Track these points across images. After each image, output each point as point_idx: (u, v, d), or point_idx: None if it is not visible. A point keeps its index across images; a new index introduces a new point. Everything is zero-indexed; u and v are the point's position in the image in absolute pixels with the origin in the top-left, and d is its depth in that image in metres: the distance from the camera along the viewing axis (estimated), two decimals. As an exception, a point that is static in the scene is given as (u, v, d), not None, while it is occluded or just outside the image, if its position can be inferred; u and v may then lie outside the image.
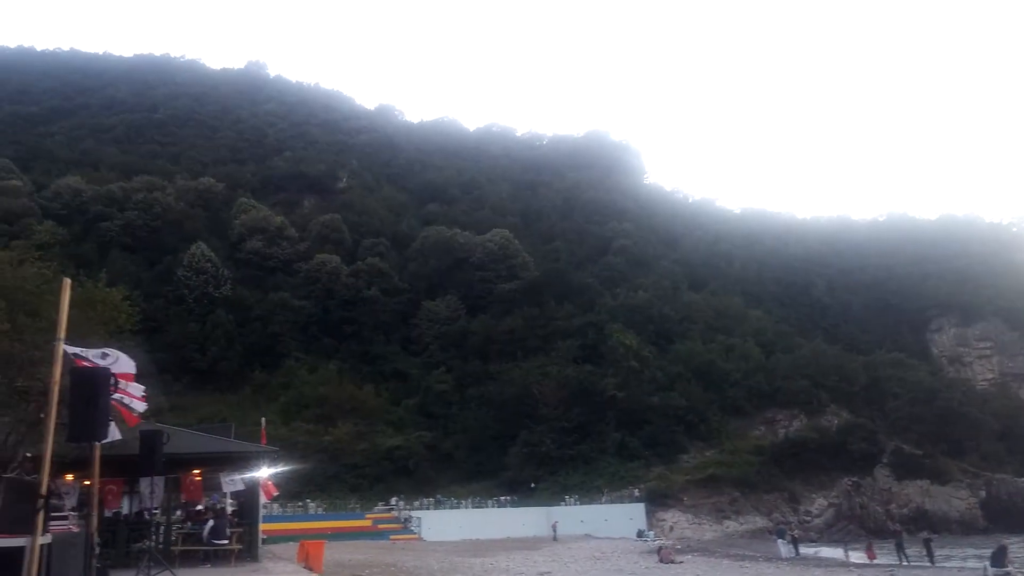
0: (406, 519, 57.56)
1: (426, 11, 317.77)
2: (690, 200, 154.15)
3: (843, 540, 53.71)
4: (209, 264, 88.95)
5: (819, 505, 68.78)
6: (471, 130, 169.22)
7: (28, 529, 8.77)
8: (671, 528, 60.40)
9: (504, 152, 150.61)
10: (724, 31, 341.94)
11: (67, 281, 10.04)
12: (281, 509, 54.23)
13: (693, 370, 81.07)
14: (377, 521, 56.66)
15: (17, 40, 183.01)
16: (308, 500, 59.79)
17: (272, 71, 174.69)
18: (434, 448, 74.48)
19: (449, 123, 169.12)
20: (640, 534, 56.28)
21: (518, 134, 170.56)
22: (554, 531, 53.11)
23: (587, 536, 54.49)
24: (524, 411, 74.63)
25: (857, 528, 65.56)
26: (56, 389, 9.34)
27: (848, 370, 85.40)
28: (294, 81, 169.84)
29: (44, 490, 8.85)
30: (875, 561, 40.07)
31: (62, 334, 9.53)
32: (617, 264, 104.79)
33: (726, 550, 46.60)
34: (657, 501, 63.57)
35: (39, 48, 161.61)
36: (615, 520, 58.51)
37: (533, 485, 67.08)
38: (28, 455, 17.16)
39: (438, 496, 64.92)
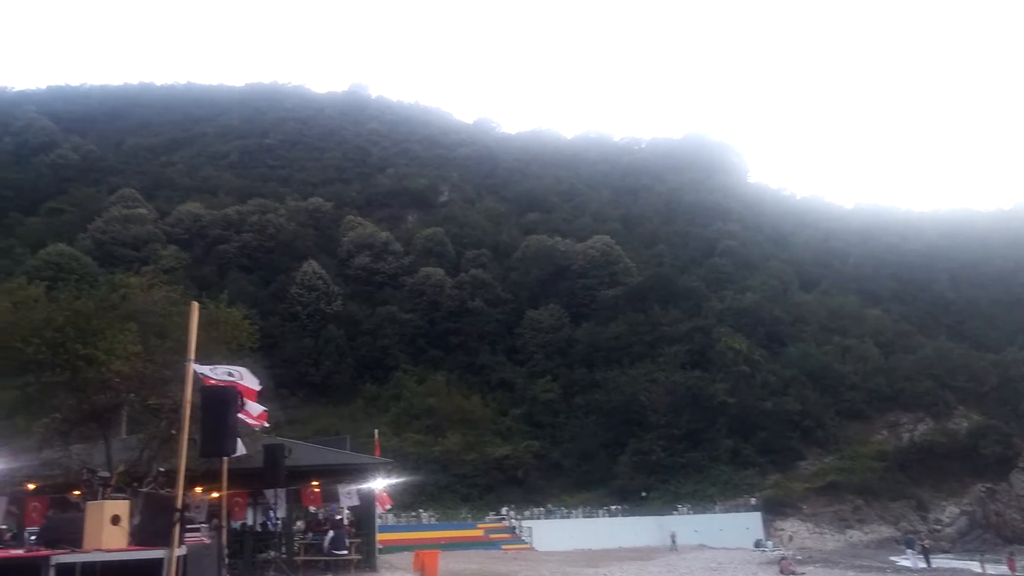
0: (517, 528, 57.73)
1: (519, 25, 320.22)
2: (798, 197, 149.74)
3: (979, 550, 50.68)
4: (320, 281, 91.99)
5: (950, 513, 65.18)
6: (568, 138, 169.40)
7: (166, 541, 9.24)
8: (790, 538, 58.42)
9: (602, 158, 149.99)
10: (824, 22, 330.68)
11: (194, 304, 10.51)
12: (395, 519, 55.29)
13: (808, 373, 78.36)
14: (489, 531, 56.98)
15: (139, 77, 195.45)
16: (421, 510, 60.75)
17: (374, 92, 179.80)
18: (542, 457, 74.53)
19: (546, 133, 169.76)
20: (758, 544, 54.69)
21: (616, 140, 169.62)
22: (672, 541, 52.11)
23: (702, 546, 53.35)
24: (632, 419, 73.84)
25: (994, 537, 61.80)
26: (188, 407, 9.81)
27: (977, 369, 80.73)
28: (395, 100, 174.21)
29: (179, 504, 9.30)
30: (1017, 573, 37.62)
31: (192, 355, 9.99)
32: (723, 266, 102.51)
33: (850, 561, 44.73)
34: (774, 510, 61.64)
35: (159, 83, 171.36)
36: (730, 530, 57.07)
37: (644, 494, 66.19)
38: (162, 469, 18.12)
39: (548, 505, 64.86)
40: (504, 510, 62.76)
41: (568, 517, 61.88)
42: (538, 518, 60.43)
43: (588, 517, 61.82)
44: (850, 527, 61.73)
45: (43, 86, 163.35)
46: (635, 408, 74.50)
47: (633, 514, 61.50)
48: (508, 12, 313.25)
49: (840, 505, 63.30)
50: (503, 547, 52.10)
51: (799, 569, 35.67)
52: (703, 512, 61.33)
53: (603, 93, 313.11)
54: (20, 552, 10.16)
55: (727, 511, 61.57)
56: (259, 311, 65.58)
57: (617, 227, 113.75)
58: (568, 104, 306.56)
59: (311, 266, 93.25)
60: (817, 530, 60.51)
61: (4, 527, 19.54)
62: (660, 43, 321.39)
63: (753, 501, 62.47)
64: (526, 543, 54.68)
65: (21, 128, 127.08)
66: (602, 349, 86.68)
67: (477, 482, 70.27)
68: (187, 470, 12.42)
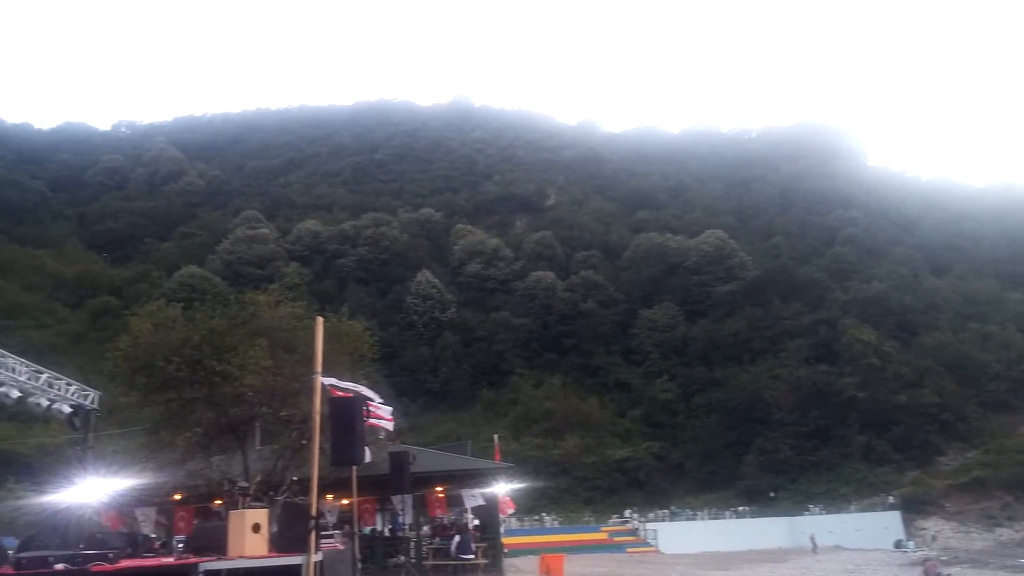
0: (641, 531, 57.04)
1: (617, 25, 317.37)
2: (923, 179, 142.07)
3: None
4: (434, 290, 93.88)
5: (1112, 509, 60.14)
6: (674, 133, 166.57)
7: (303, 548, 9.58)
8: (933, 537, 55.33)
9: (711, 151, 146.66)
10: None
11: (319, 319, 10.86)
12: (518, 523, 55.60)
13: (944, 364, 73.93)
14: (613, 534, 56.54)
15: (256, 104, 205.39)
16: (543, 514, 60.90)
17: (477, 102, 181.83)
18: (664, 458, 73.49)
19: (651, 129, 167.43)
20: (898, 545, 52.03)
21: (724, 131, 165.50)
22: (812, 543, 50.17)
23: (838, 548, 51.20)
24: (756, 417, 71.78)
25: None
26: (317, 418, 10.15)
27: None
28: (498, 108, 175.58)
29: (314, 512, 9.63)
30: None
31: (319, 368, 10.32)
32: (846, 255, 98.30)
33: (1001, 561, 41.87)
34: (914, 508, 58.47)
35: (274, 108, 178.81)
36: (867, 530, 54.49)
37: (772, 494, 64.20)
38: (295, 478, 18.82)
39: (672, 507, 63.84)
40: (627, 513, 62.17)
41: (694, 519, 60.72)
42: (663, 520, 59.56)
43: (714, 519, 60.47)
44: (999, 525, 57.85)
45: (170, 118, 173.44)
46: (759, 406, 72.38)
47: (761, 515, 59.71)
48: (604, 12, 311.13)
49: (987, 502, 59.44)
50: (628, 550, 51.52)
51: (945, 570, 33.58)
52: (837, 512, 58.85)
53: (708, 85, 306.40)
54: (171, 559, 10.72)
55: (863, 511, 58.84)
56: (377, 322, 67.25)
57: (730, 220, 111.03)
58: (672, 99, 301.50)
59: (425, 276, 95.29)
60: (962, 529, 57.03)
61: (154, 535, 20.82)
62: (763, 29, 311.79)
63: (891, 500, 59.49)
64: (651, 546, 53.92)
65: (152, 159, 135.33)
66: (720, 346, 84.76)
67: (598, 485, 69.93)
68: (318, 478, 12.87)
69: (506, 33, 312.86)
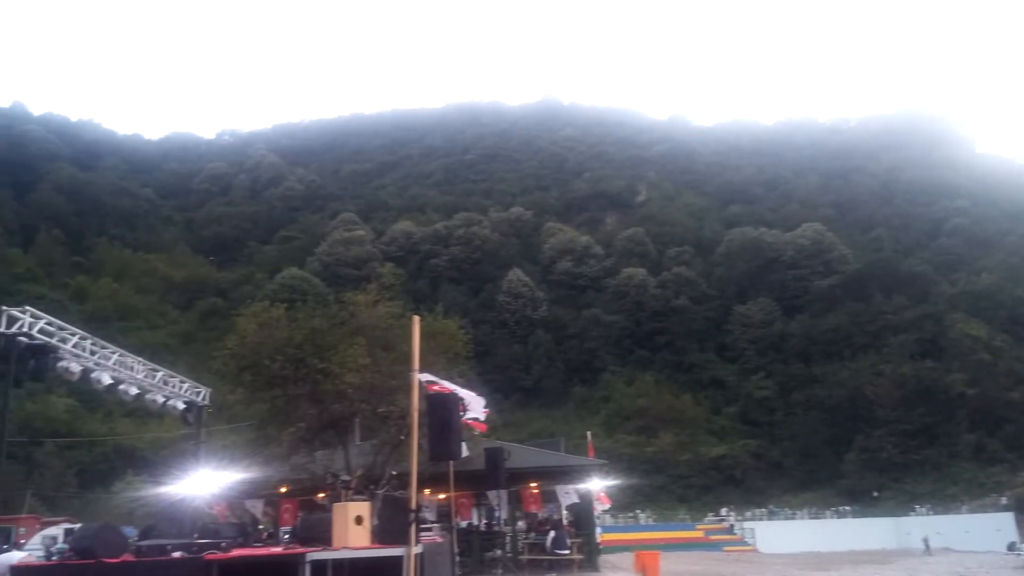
0: (738, 529, 55.99)
1: (706, 17, 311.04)
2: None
3: None
4: (525, 288, 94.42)
5: None
6: (769, 125, 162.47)
7: (404, 540, 9.88)
8: (1050, 541, 52.25)
9: (808, 142, 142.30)
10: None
11: (415, 318, 11.16)
12: (612, 520, 55.41)
13: (1064, 359, 69.88)
14: (709, 532, 55.68)
15: (350, 109, 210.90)
16: (638, 511, 60.53)
17: (565, 99, 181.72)
18: (761, 456, 72.00)
19: (744, 122, 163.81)
20: (1011, 547, 49.38)
21: (821, 121, 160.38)
22: (926, 544, 48.26)
23: (947, 549, 49.05)
24: (858, 414, 69.40)
25: None
26: (415, 414, 10.45)
27: None
28: (587, 105, 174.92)
29: (414, 505, 9.93)
30: None
31: (416, 365, 10.61)
32: (953, 247, 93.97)
33: (1126, 567, 39.27)
34: (1030, 510, 55.38)
35: (367, 113, 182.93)
36: (978, 532, 51.90)
37: (875, 494, 62.01)
38: (394, 473, 19.34)
39: (771, 506, 62.45)
40: (724, 511, 61.16)
41: (793, 518, 59.22)
42: (760, 519, 58.33)
43: (814, 518, 58.79)
44: None
45: (269, 126, 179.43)
46: (860, 403, 69.96)
47: (864, 515, 57.73)
48: (693, 4, 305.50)
49: (1114, 505, 55.74)
50: (725, 549, 50.68)
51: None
52: (944, 513, 56.34)
53: (804, 75, 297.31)
54: (279, 550, 11.22)
55: (973, 512, 56.14)
56: (470, 320, 68.14)
57: (829, 213, 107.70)
58: (766, 91, 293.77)
59: (516, 274, 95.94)
60: (1082, 532, 53.64)
61: (261, 526, 21.76)
62: (860, 14, 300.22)
63: (1004, 500, 56.55)
64: (749, 545, 52.86)
65: (253, 166, 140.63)
66: (819, 342, 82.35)
67: (693, 483, 69.07)
68: (417, 473, 13.20)
69: (594, 30, 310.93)
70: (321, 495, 21.29)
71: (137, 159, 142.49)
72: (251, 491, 22.41)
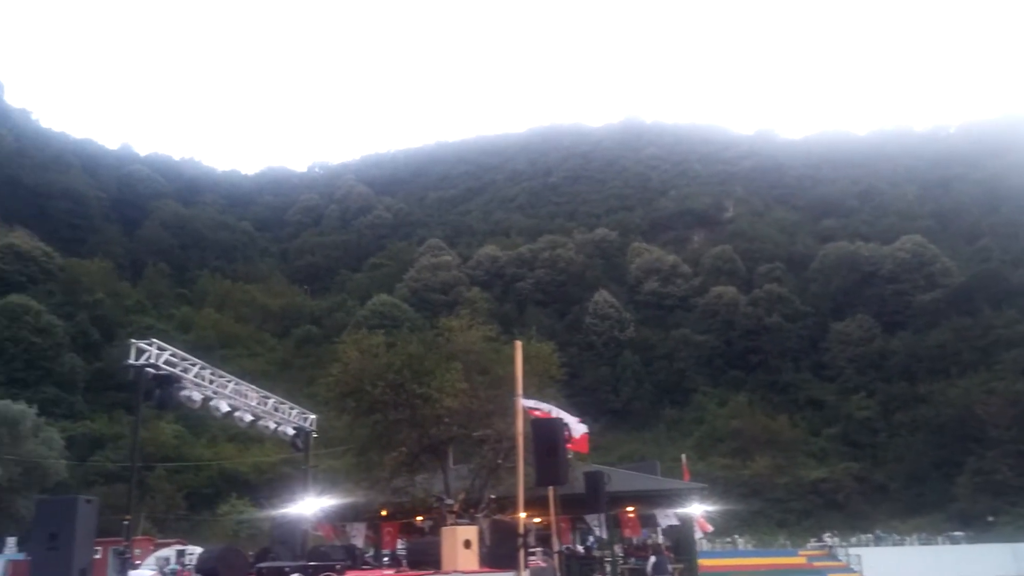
0: (843, 556, 53.85)
1: (792, 28, 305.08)
2: None
3: None
4: (612, 309, 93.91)
5: None
6: (861, 135, 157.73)
7: (511, 564, 10.01)
8: None
9: (904, 151, 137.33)
10: None
11: (518, 343, 11.35)
12: (709, 545, 54.17)
13: None
14: (812, 558, 53.71)
15: (435, 138, 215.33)
16: (736, 536, 59.01)
17: (648, 118, 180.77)
18: (864, 480, 69.34)
19: (835, 133, 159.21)
20: None
21: (918, 130, 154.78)
22: None
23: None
24: (969, 435, 66.08)
25: None
26: (520, 439, 10.59)
27: None
28: (670, 123, 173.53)
29: (522, 530, 10.05)
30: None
31: (519, 390, 10.78)
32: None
33: None
34: None
35: (452, 140, 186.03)
36: (1109, 561, 48.63)
37: (991, 519, 58.77)
38: (492, 496, 19.51)
39: (877, 531, 59.90)
40: (826, 536, 58.98)
41: (901, 544, 56.61)
42: (866, 545, 55.98)
43: (925, 544, 56.06)
44: None
45: (358, 157, 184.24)
46: (971, 423, 66.60)
47: (979, 541, 54.73)
48: (776, 16, 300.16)
49: None
50: (829, 576, 48.88)
51: None
52: (1070, 540, 52.90)
53: (896, 83, 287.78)
54: (391, 573, 11.48)
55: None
56: (557, 343, 68.17)
57: (929, 224, 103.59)
58: (857, 100, 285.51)
59: (602, 295, 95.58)
60: None
61: (363, 549, 22.22)
62: (956, 17, 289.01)
63: None
64: (855, 572, 50.76)
65: (343, 196, 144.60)
66: (924, 359, 79.02)
67: (793, 507, 66.98)
68: (516, 497, 13.31)
69: (675, 48, 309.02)
70: (420, 518, 21.63)
71: (235, 194, 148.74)
72: (353, 514, 22.95)
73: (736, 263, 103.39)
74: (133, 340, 12.21)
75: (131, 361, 11.89)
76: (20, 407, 46.50)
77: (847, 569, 51.10)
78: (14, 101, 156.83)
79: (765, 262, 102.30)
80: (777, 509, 66.91)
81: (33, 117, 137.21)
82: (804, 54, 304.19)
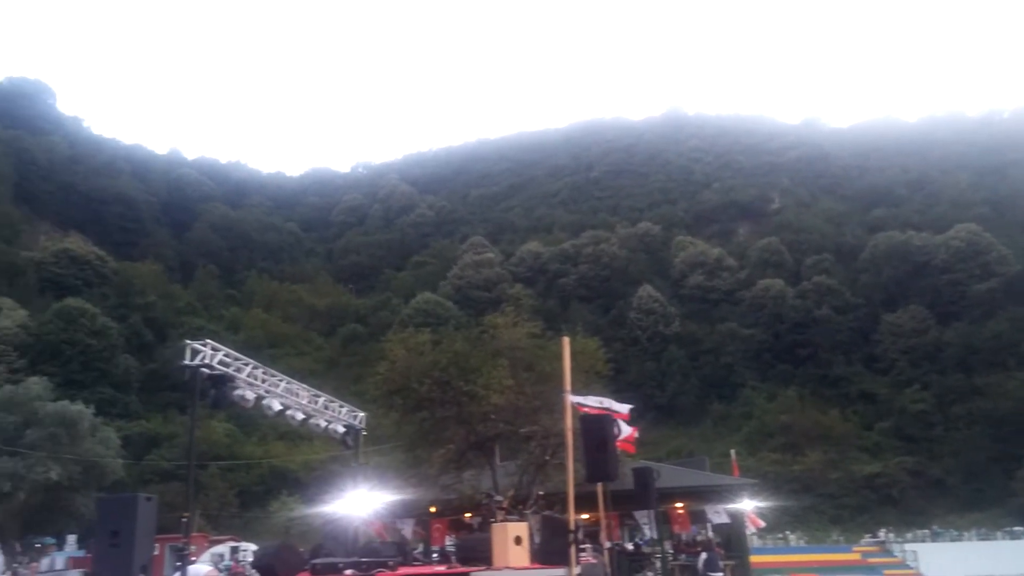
0: (898, 552, 52.75)
1: (834, 13, 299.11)
2: None
3: None
4: (656, 304, 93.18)
5: None
6: (911, 122, 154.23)
7: (562, 560, 9.98)
8: None
9: (956, 138, 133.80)
10: None
11: (566, 340, 11.28)
12: (760, 541, 53.48)
13: None
14: (866, 554, 52.74)
15: (475, 135, 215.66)
16: (787, 532, 58.21)
17: (691, 110, 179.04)
18: (920, 474, 67.88)
19: (883, 121, 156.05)
20: None
21: (970, 115, 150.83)
22: None
23: None
24: (1028, 428, 64.30)
25: None
26: (570, 436, 10.54)
27: None
28: (713, 115, 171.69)
29: (572, 526, 10.00)
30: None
31: (568, 387, 10.72)
32: None
33: None
34: None
35: (493, 137, 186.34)
36: None
37: (1052, 514, 57.10)
38: (540, 493, 19.50)
39: (934, 527, 58.63)
40: (881, 532, 57.87)
41: (959, 540, 55.29)
42: (923, 541, 54.79)
43: (984, 539, 54.69)
44: None
45: (400, 156, 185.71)
46: (1031, 415, 64.80)
47: (1041, 537, 53.24)
48: (817, 2, 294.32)
49: None
50: (885, 572, 47.92)
51: None
52: None
53: (947, 67, 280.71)
54: (442, 569, 11.53)
55: None
56: (601, 338, 67.79)
57: (984, 212, 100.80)
58: (905, 86, 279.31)
59: (646, 290, 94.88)
60: None
61: (412, 546, 22.37)
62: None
63: None
64: (911, 568, 49.73)
65: (386, 195, 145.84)
66: (980, 351, 76.95)
67: (846, 502, 65.87)
68: (564, 493, 13.26)
69: (716, 38, 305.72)
70: (468, 515, 21.69)
71: (281, 195, 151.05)
72: (402, 511, 23.11)
73: (783, 255, 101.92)
74: (188, 341, 12.44)
75: (186, 362, 12.12)
76: (78, 408, 47.73)
77: (903, 565, 50.09)
78: (67, 109, 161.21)
79: (813, 253, 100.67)
80: (830, 505, 65.87)
81: (85, 124, 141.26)
82: (850, 40, 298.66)
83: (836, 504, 65.64)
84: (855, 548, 53.99)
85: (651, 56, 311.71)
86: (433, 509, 22.80)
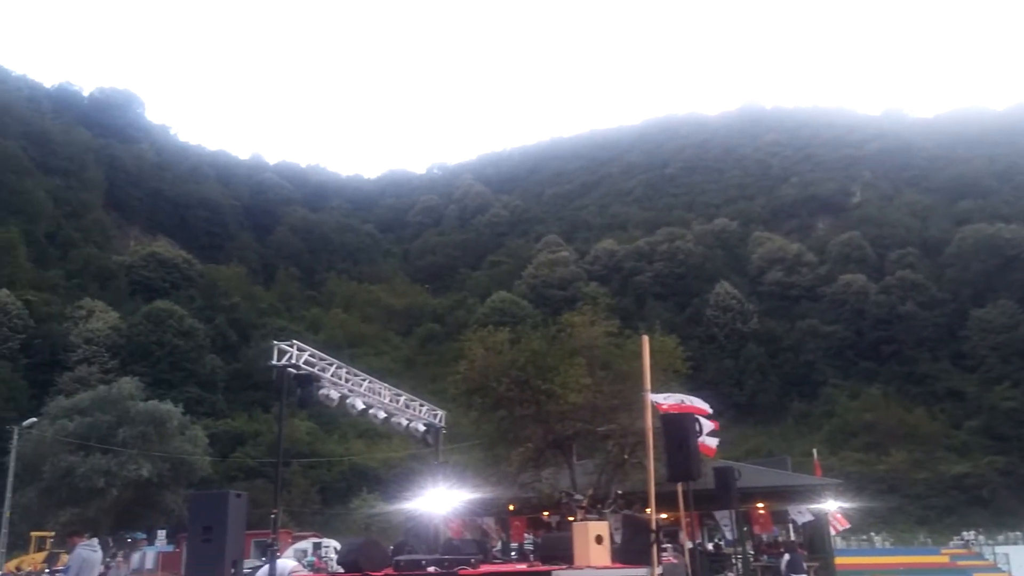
0: (989, 555, 50.69)
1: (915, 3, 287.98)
2: None
3: None
4: (734, 301, 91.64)
5: None
6: (999, 110, 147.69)
7: (644, 560, 10.00)
8: None
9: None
10: None
11: (645, 339, 11.31)
12: (843, 543, 52.15)
13: None
14: (955, 557, 50.88)
15: (550, 134, 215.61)
16: (872, 533, 56.61)
17: (768, 104, 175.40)
18: (1011, 474, 65.09)
19: (970, 110, 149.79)
20: None
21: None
22: None
23: None
24: None
25: None
26: (650, 435, 10.56)
27: None
28: (791, 108, 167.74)
29: (655, 525, 10.02)
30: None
31: (648, 385, 10.75)
32: None
33: None
34: None
35: (566, 136, 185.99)
36: None
37: None
38: (619, 492, 19.48)
39: (1028, 530, 56.17)
40: (972, 534, 55.74)
41: (1055, 543, 52.79)
42: (1014, 543, 52.51)
43: (1083, 543, 52.11)
44: None
45: (474, 156, 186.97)
46: None
47: None
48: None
49: None
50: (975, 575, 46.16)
51: None
52: None
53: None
54: (524, 567, 11.67)
55: None
56: (677, 336, 67.13)
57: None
58: (992, 74, 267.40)
59: (723, 287, 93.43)
60: None
61: (491, 543, 22.61)
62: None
63: None
64: (1003, 572, 47.73)
65: (461, 195, 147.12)
66: (1080, 346, 73.36)
67: (933, 503, 63.67)
68: (643, 492, 13.25)
69: (792, 30, 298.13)
70: (547, 513, 21.83)
71: (358, 197, 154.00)
72: (482, 509, 23.39)
73: (865, 250, 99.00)
74: (275, 342, 12.89)
75: (274, 362, 12.56)
76: (167, 407, 49.48)
77: (994, 568, 48.10)
78: (155, 118, 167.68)
79: (897, 248, 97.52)
80: (916, 506, 63.77)
81: (172, 132, 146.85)
82: (933, 26, 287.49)
83: (923, 505, 63.52)
84: (943, 550, 52.16)
85: (725, 50, 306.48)
86: (512, 507, 23.00)
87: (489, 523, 24.24)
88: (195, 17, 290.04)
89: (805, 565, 20.25)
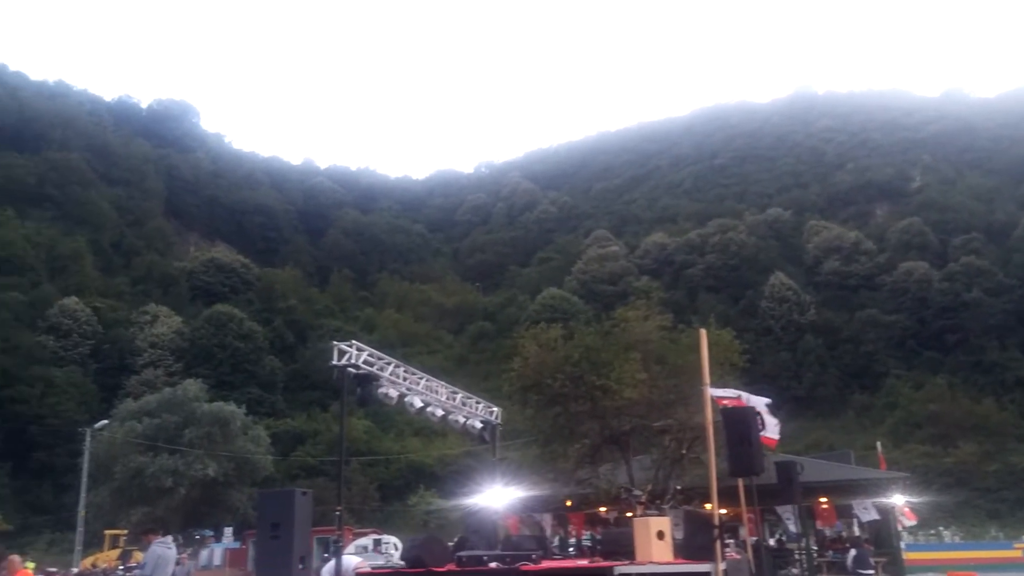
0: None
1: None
2: None
3: None
4: (790, 292, 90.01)
5: None
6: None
7: (707, 555, 9.89)
8: None
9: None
10: None
11: (703, 332, 11.19)
12: (910, 538, 50.89)
13: None
14: (1029, 552, 49.33)
15: (596, 129, 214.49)
16: (940, 528, 55.13)
17: (820, 89, 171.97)
18: (1089, 466, 62.73)
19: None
20: None
21: None
22: None
23: None
24: None
25: None
26: (710, 429, 10.44)
27: None
28: (844, 92, 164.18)
29: (717, 521, 9.91)
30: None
31: (706, 379, 10.63)
32: None
33: None
34: None
35: (613, 130, 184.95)
36: None
37: None
38: (678, 487, 19.31)
39: (1106, 524, 54.13)
40: (1046, 529, 53.95)
41: None
42: (1095, 538, 50.66)
43: None
44: None
45: (521, 154, 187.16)
46: None
47: None
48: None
49: None
50: (1050, 571, 44.61)
51: None
52: None
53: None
54: (585, 562, 11.64)
55: None
56: (732, 329, 66.26)
57: None
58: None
59: (778, 278, 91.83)
60: None
61: (550, 539, 22.61)
62: None
63: None
64: (1083, 567, 46.09)
65: (509, 193, 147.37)
66: None
67: (1005, 496, 61.66)
68: (702, 488, 13.10)
69: (845, 10, 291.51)
70: (604, 509, 21.74)
71: (407, 198, 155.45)
72: (539, 505, 23.42)
73: (927, 236, 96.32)
74: (335, 343, 13.09)
75: (334, 362, 12.76)
76: (230, 408, 50.81)
77: (1073, 564, 46.51)
78: (209, 127, 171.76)
79: (960, 233, 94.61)
80: (987, 499, 61.88)
81: (226, 140, 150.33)
82: (991, 1, 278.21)
83: (994, 498, 61.61)
84: (1016, 545, 50.58)
85: (774, 36, 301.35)
86: (569, 503, 22.98)
87: (546, 519, 24.26)
88: (245, 28, 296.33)
89: (872, 560, 19.86)
